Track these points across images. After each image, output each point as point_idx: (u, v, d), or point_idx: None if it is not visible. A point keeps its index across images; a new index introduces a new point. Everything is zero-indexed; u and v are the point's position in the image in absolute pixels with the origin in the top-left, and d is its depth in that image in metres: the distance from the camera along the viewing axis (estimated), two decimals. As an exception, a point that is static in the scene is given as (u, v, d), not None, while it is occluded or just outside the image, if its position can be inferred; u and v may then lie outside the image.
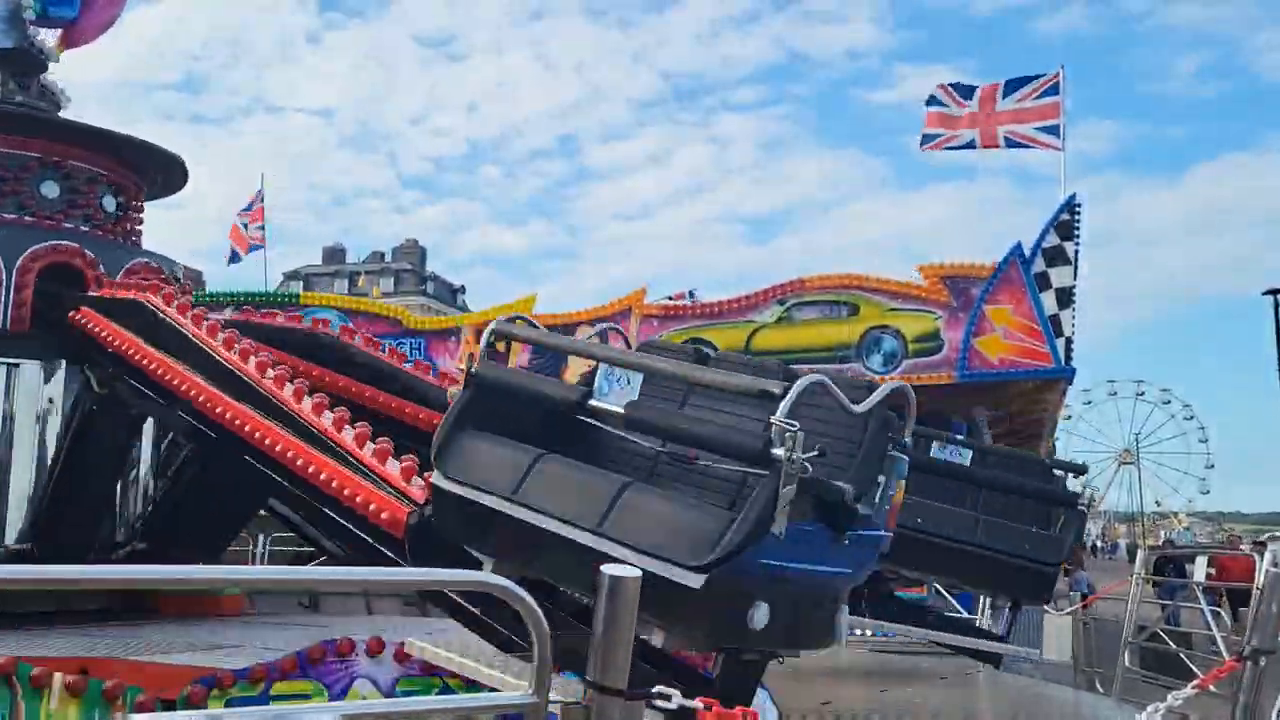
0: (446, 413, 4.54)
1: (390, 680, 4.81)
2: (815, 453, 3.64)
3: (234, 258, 25.25)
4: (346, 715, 2.21)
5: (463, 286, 79.93)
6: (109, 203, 9.30)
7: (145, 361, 7.07)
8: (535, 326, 5.13)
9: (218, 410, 6.35)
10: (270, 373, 6.42)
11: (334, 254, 75.77)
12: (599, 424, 4.58)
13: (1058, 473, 9.54)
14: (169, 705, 4.65)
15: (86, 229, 8.91)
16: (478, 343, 18.33)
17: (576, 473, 4.12)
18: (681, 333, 18.84)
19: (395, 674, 4.83)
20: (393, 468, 5.36)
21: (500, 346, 4.73)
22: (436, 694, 4.73)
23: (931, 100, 19.18)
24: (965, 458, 8.01)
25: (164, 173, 10.05)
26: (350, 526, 5.26)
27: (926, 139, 19.13)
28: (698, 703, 2.89)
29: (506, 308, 20.11)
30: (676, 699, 2.81)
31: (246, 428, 6.09)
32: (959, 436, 8.68)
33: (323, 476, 5.40)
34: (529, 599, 2.39)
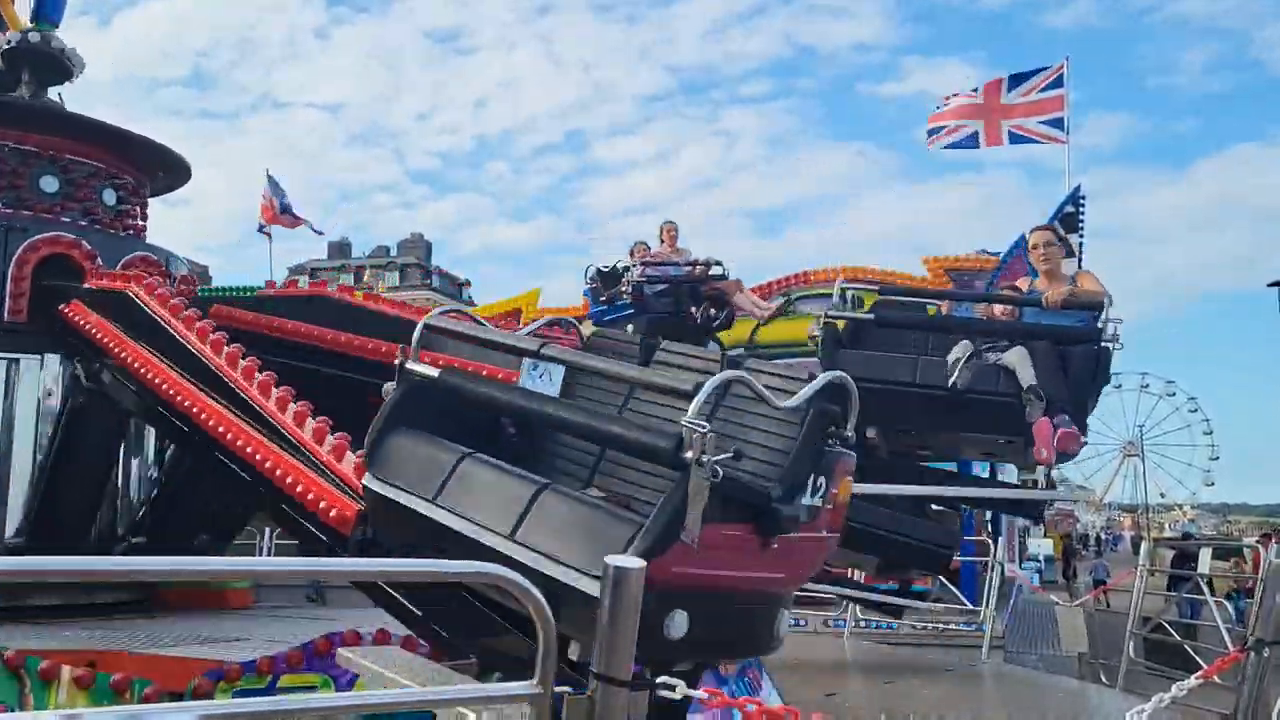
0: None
1: (396, 672, 4.82)
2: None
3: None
4: (205, 715, 2.19)
5: (467, 281, 79.93)
6: (109, 196, 9.24)
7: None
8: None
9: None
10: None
11: (339, 248, 75.83)
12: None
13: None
14: (176, 697, 4.68)
15: (85, 223, 8.86)
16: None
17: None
18: (685, 326, 18.83)
19: (401, 666, 4.85)
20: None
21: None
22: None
23: (939, 105, 19.23)
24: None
25: (166, 168, 10.02)
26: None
27: (932, 133, 19.17)
28: (702, 692, 2.91)
29: (511, 301, 20.12)
30: (681, 689, 2.83)
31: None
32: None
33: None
34: (535, 591, 2.40)
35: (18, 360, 7.97)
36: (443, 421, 4.37)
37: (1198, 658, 8.61)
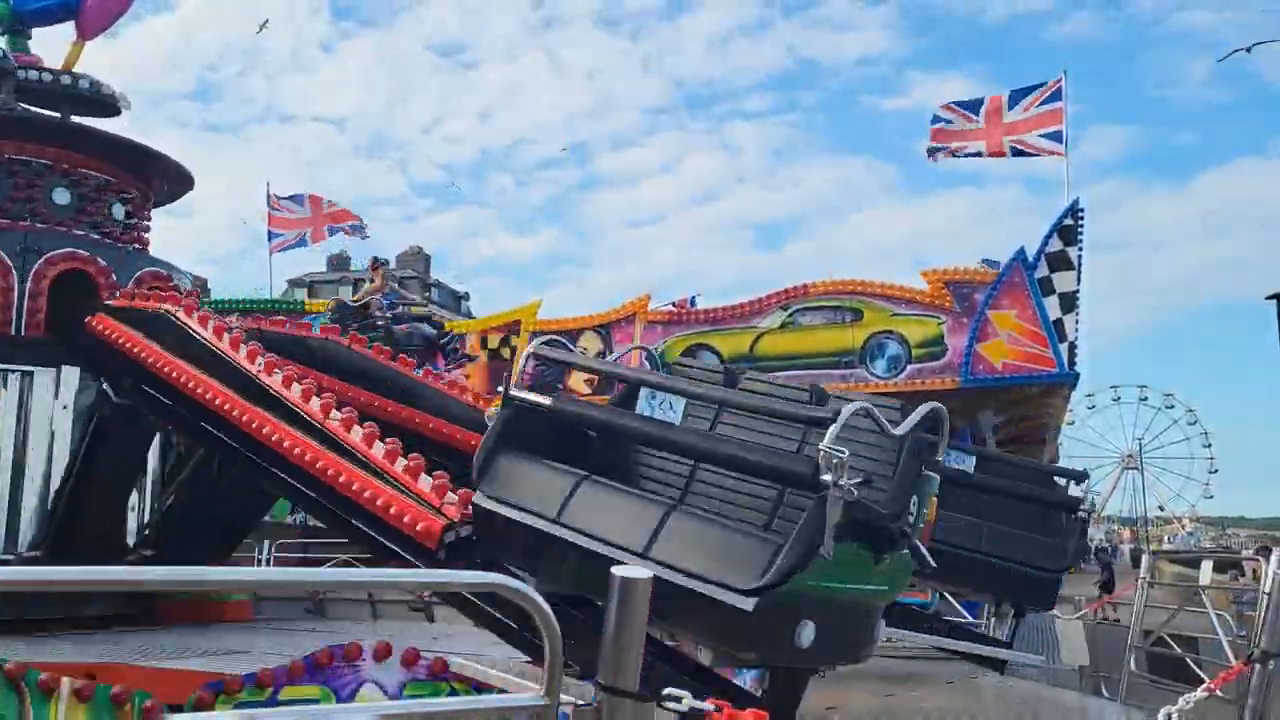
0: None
1: (397, 684, 4.79)
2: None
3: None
4: (393, 714, 2.24)
5: (466, 293, 79.92)
6: (118, 210, 9.33)
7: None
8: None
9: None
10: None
11: (338, 261, 75.79)
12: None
13: (1059, 480, 9.46)
14: (176, 709, 4.65)
15: (97, 236, 8.94)
16: (482, 349, 18.42)
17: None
18: (685, 338, 18.86)
19: (402, 678, 4.82)
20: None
21: (506, 352, 4.90)
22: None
23: (936, 119, 19.29)
24: (969, 464, 7.97)
25: (170, 180, 10.07)
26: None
27: (933, 151, 19.26)
28: (708, 704, 2.90)
29: (510, 314, 20.13)
30: (687, 700, 2.81)
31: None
32: (963, 444, 8.73)
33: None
34: (540, 601, 2.39)
35: (32, 373, 8.00)
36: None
37: (1200, 671, 8.58)
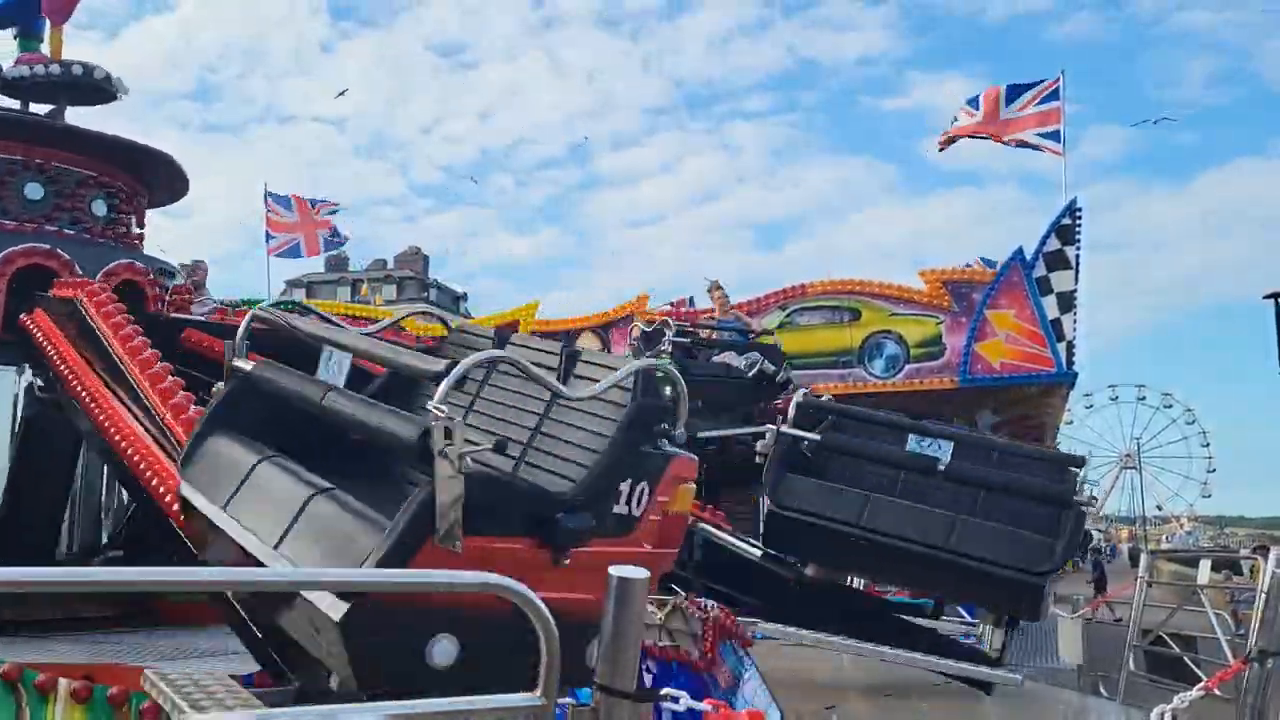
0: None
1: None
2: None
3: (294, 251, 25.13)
4: (392, 715, 2.23)
5: (464, 294, 79.94)
6: (99, 207, 9.14)
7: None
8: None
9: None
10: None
11: (337, 261, 75.82)
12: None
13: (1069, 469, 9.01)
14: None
15: (71, 232, 8.74)
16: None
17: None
18: (683, 338, 18.85)
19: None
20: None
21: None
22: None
23: (954, 121, 19.42)
24: (944, 452, 7.04)
25: (166, 178, 9.98)
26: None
27: (944, 144, 19.39)
28: (706, 705, 2.90)
29: (508, 315, 20.13)
30: (685, 701, 2.81)
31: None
32: (948, 428, 7.75)
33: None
34: (537, 600, 2.39)
35: None
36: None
37: (1198, 670, 8.59)
